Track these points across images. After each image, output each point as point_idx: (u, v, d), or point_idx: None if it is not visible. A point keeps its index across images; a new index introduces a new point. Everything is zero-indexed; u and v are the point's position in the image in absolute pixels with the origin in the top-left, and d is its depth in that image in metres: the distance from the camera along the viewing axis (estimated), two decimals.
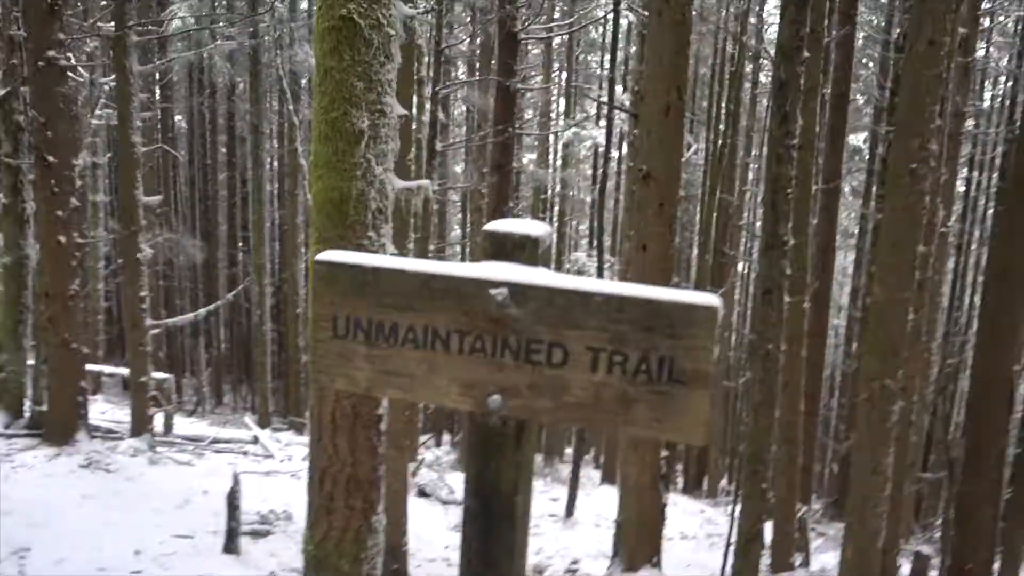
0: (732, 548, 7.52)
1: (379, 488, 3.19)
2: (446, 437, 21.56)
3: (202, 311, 12.53)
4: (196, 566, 6.09)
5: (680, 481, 24.81)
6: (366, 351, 1.46)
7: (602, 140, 20.46)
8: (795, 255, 7.34)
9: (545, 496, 15.51)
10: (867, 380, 6.77)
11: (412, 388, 1.46)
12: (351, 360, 1.48)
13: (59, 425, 9.08)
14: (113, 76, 10.49)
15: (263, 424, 19.17)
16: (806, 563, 9.89)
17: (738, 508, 7.41)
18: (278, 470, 11.24)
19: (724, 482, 22.84)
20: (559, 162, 26.66)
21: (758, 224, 14.22)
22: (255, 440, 14.31)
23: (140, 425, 10.25)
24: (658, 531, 7.61)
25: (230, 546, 6.39)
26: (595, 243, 10.35)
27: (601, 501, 15.84)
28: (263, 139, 19.44)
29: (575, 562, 8.76)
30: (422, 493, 11.63)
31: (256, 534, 7.39)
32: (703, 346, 1.26)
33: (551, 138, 24.41)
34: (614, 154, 21.19)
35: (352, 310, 1.46)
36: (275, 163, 26.89)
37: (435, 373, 1.43)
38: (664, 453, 7.45)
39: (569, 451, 29.61)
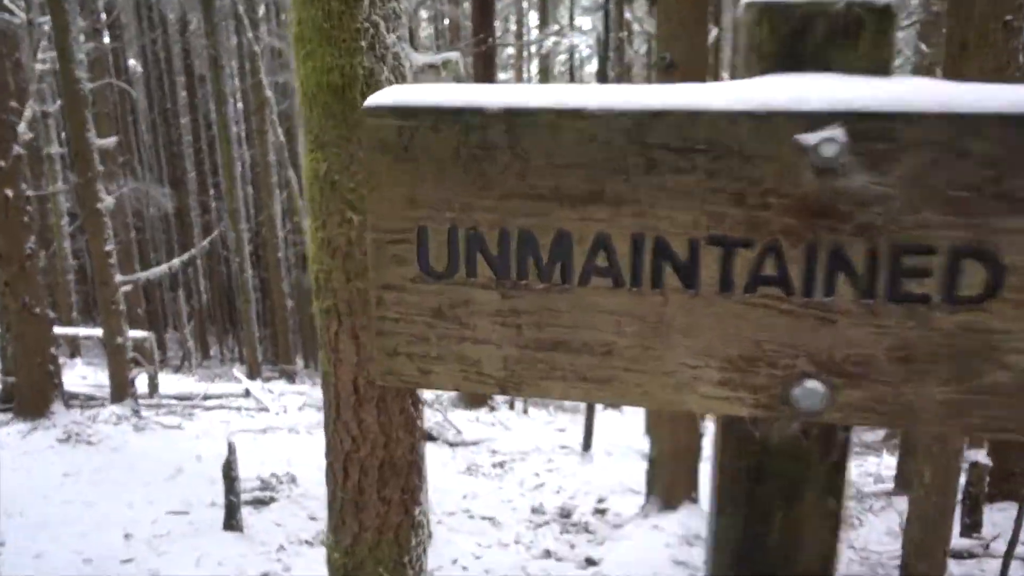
0: None
1: (421, 471, 2.45)
2: None
3: (176, 261, 11.62)
4: (195, 547, 5.41)
5: None
6: (498, 301, 0.66)
7: (582, 44, 19.34)
8: None
9: (550, 427, 15.06)
10: None
11: (608, 381, 0.68)
12: (464, 324, 0.68)
13: (31, 397, 8.30)
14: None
15: (253, 375, 18.47)
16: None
17: None
18: (275, 425, 10.55)
19: None
20: (535, 80, 25.42)
21: None
22: (247, 393, 13.62)
23: (121, 389, 9.47)
24: (696, 464, 7.03)
25: (231, 522, 5.70)
26: None
27: (612, 429, 15.40)
28: (224, 76, 18.12)
29: (601, 500, 8.23)
30: (428, 436, 11.01)
31: (258, 503, 6.71)
32: None
33: (526, 55, 23.18)
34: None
35: (464, 212, 0.65)
36: (239, 103, 25.46)
37: (661, 342, 0.65)
38: None
39: None
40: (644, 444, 13.54)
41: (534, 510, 7.88)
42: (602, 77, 9.58)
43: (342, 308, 2.24)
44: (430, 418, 11.91)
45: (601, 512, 7.78)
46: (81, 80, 8.78)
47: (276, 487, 7.22)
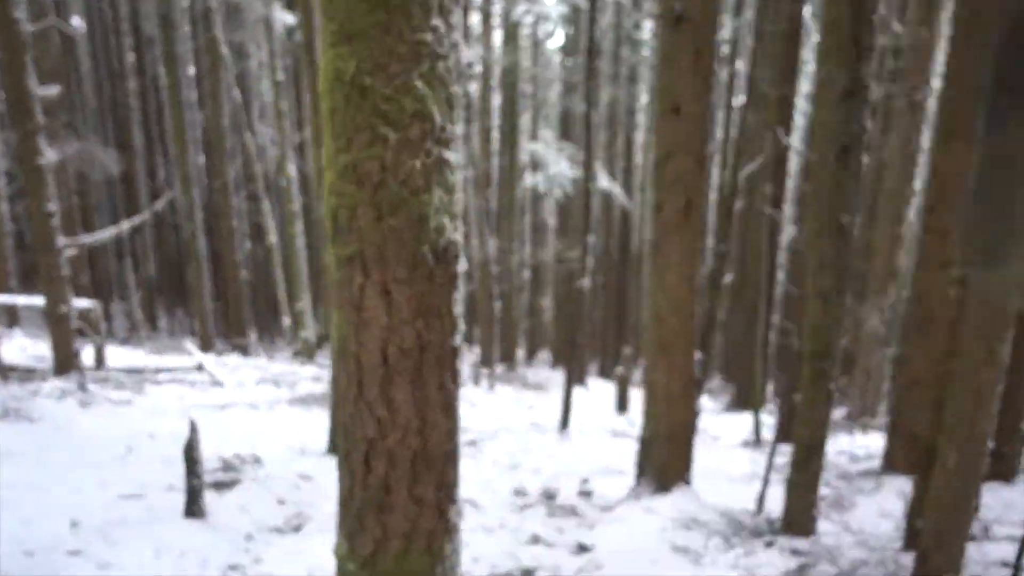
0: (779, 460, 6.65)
1: (456, 463, 1.98)
2: None
3: (126, 224, 10.82)
4: (153, 536, 4.84)
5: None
6: None
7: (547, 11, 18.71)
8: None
9: (519, 404, 14.66)
10: None
11: None
12: None
13: None
14: None
15: (205, 348, 17.68)
16: None
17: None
18: (233, 401, 9.93)
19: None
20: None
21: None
22: (200, 367, 12.92)
23: (65, 362, 8.74)
24: (690, 445, 6.68)
25: (192, 508, 5.14)
26: (587, 129, 8.96)
27: (581, 408, 15.08)
28: (176, 36, 17.07)
29: (585, 481, 7.84)
30: None
31: (220, 485, 6.14)
32: None
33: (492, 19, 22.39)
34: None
35: None
36: (192, 66, 24.20)
37: None
38: (698, 356, 6.44)
39: (521, 352, 28.96)
40: (618, 423, 13.26)
41: (516, 492, 7.46)
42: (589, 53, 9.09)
43: (370, 255, 1.74)
44: None
45: (587, 494, 7.39)
46: (20, 21, 7.97)
47: (239, 467, 6.66)
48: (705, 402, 15.19)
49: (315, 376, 14.29)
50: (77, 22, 26.38)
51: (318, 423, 9.12)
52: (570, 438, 9.74)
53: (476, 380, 16.36)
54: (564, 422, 9.67)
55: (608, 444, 10.43)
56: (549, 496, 7.33)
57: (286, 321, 17.63)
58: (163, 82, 25.56)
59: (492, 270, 18.03)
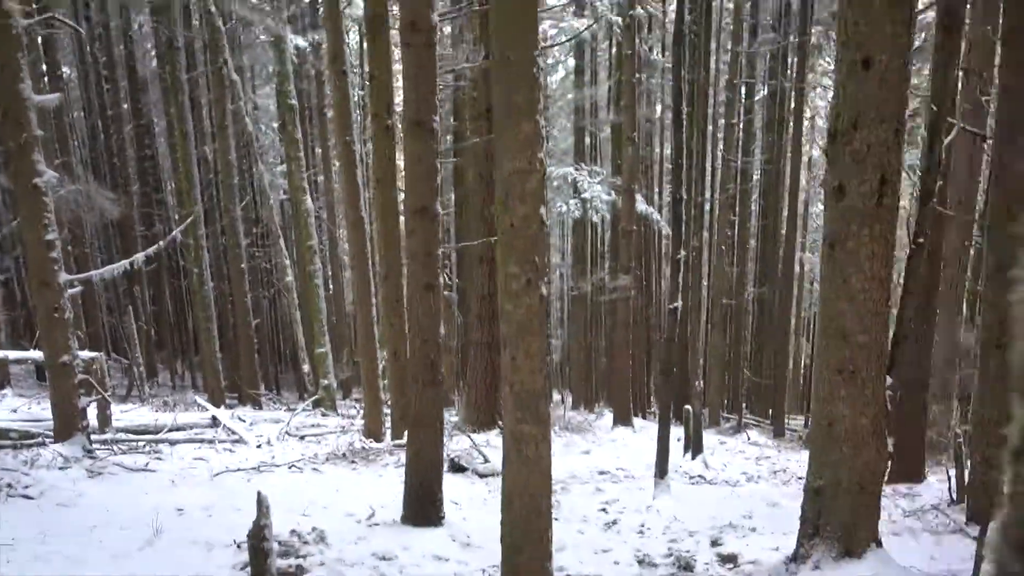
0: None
1: None
2: None
3: (140, 256, 9.39)
4: None
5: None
6: None
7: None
8: None
9: (572, 449, 13.15)
10: None
11: None
12: None
13: None
14: None
15: (215, 402, 16.12)
16: None
17: None
18: (266, 462, 8.42)
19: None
20: None
21: None
22: (214, 422, 11.39)
23: (68, 423, 7.25)
24: (879, 498, 5.23)
25: None
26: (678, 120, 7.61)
27: (641, 449, 13.57)
28: (179, 55, 15.87)
29: (716, 543, 6.37)
30: (455, 467, 9.01)
31: (281, 575, 4.66)
32: None
33: None
34: None
35: None
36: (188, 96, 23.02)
37: None
38: (889, 383, 5.03)
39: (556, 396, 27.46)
40: (696, 468, 11.77)
41: (641, 561, 5.98)
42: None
43: None
44: (454, 446, 9.94)
45: (730, 561, 5.91)
46: (13, 14, 6.67)
47: (301, 550, 5.17)
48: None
49: (342, 427, 12.78)
50: (67, 73, 25.26)
51: (375, 484, 7.63)
52: (670, 489, 8.22)
53: None
54: (662, 469, 8.16)
55: (711, 495, 8.97)
56: (684, 566, 5.85)
57: (304, 368, 16.15)
58: (159, 128, 24.48)
59: None
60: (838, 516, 5.14)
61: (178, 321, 25.50)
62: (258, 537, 3.56)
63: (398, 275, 9.63)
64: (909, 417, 8.77)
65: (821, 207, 32.68)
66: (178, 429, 10.73)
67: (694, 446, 11.89)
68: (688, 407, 12.37)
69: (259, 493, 3.69)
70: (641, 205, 16.30)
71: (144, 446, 8.82)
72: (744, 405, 24.49)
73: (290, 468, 7.97)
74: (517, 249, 3.55)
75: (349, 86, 10.96)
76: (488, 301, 12.66)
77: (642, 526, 7.31)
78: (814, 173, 30.04)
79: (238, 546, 5.16)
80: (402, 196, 6.93)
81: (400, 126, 6.88)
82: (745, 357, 26.17)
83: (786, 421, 23.25)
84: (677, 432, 18.18)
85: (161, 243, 10.55)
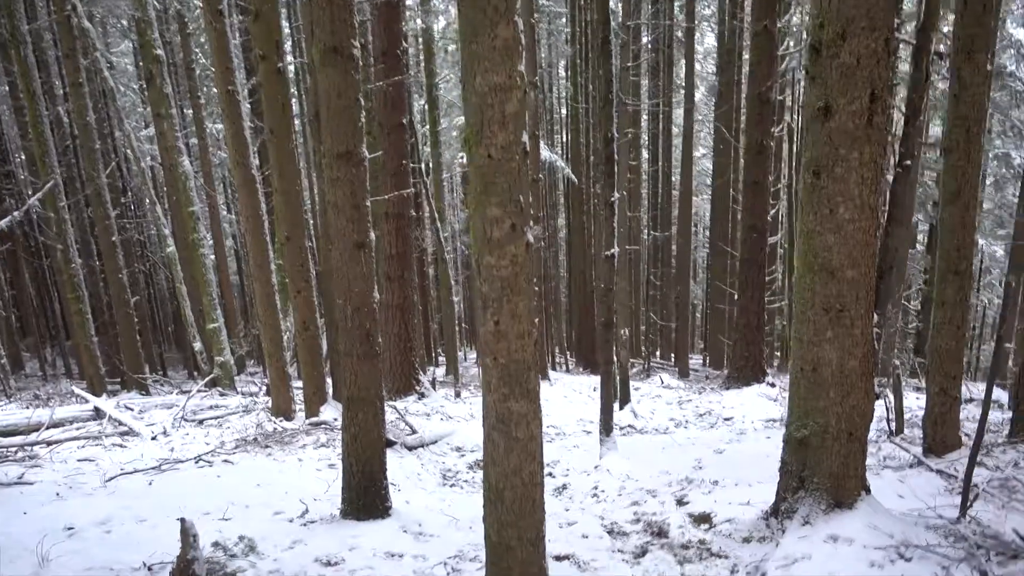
0: None
1: None
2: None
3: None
4: None
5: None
6: None
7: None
8: None
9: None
10: None
11: None
12: None
13: None
14: None
15: (96, 391, 14.60)
16: None
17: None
18: (167, 458, 7.39)
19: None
20: None
21: None
22: (98, 414, 10.16)
23: None
24: (866, 444, 4.89)
25: None
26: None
27: (565, 402, 13.19)
28: (16, 2, 13.77)
29: (683, 502, 5.93)
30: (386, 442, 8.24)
31: None
32: None
33: None
34: None
35: None
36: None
37: None
38: (875, 320, 4.65)
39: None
40: (626, 418, 11.47)
41: (611, 531, 5.48)
42: None
43: None
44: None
45: (704, 521, 5.50)
46: None
47: (229, 566, 4.34)
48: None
49: (245, 407, 11.72)
50: None
51: (299, 472, 6.78)
52: (616, 447, 7.78)
53: (433, 383, 14.15)
54: (607, 426, 7.70)
55: (651, 445, 8.61)
56: (658, 532, 5.40)
57: (196, 346, 14.79)
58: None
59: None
60: (827, 466, 4.77)
61: (42, 304, 23.19)
62: (186, 574, 2.76)
63: (302, 236, 8.65)
64: None
65: (703, 151, 33.12)
66: (56, 426, 9.47)
67: (621, 396, 11.62)
68: (614, 355, 12.01)
69: (183, 522, 2.88)
70: (545, 152, 15.71)
71: (16, 452, 7.61)
72: (645, 349, 24.73)
73: (197, 463, 7.00)
74: (498, 187, 2.83)
75: (228, 28, 9.69)
76: (396, 260, 11.82)
77: (595, 488, 6.84)
78: (699, 116, 30.24)
79: (149, 569, 4.29)
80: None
81: (310, 59, 5.91)
82: (647, 301, 26.38)
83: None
84: (592, 381, 18.05)
85: (15, 214, 9.08)
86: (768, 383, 13.22)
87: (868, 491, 4.89)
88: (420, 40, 18.34)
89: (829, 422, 4.72)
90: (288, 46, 21.14)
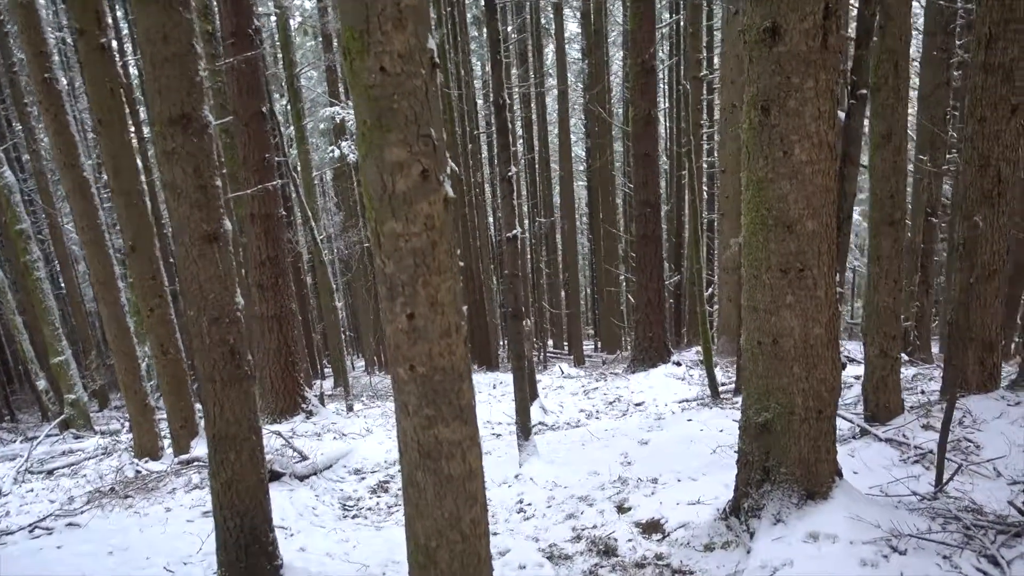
0: None
1: None
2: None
3: None
4: None
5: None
6: None
7: None
8: None
9: (392, 424, 11.58)
10: None
11: None
12: None
13: None
14: None
15: None
16: None
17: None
18: (11, 525, 5.98)
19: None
20: None
21: None
22: None
23: None
24: (835, 424, 4.27)
25: None
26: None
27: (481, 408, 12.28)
28: None
29: (625, 508, 5.20)
30: (270, 476, 7.09)
31: None
32: None
33: None
34: None
35: None
36: None
37: None
38: (837, 279, 4.02)
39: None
40: (537, 414, 10.70)
41: (551, 556, 4.65)
42: None
43: None
44: (266, 446, 7.96)
45: (654, 530, 4.76)
46: None
47: None
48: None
49: (104, 449, 10.20)
50: None
51: (165, 528, 5.57)
52: (537, 451, 6.97)
53: (321, 399, 12.93)
54: (525, 428, 6.88)
55: (568, 443, 7.85)
56: (604, 550, 4.61)
57: (41, 384, 12.91)
58: None
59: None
60: (795, 452, 4.13)
61: None
62: None
63: (151, 244, 7.36)
64: None
65: (575, 137, 32.94)
66: None
67: (530, 390, 10.85)
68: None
69: None
70: None
71: None
72: (538, 339, 24.21)
73: (32, 532, 5.65)
74: (399, 115, 1.93)
75: (38, 7, 8.19)
76: (268, 266, 10.58)
77: (521, 503, 6.00)
78: (572, 102, 29.99)
79: None
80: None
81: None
82: (536, 289, 25.87)
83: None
84: (489, 379, 17.25)
85: None
86: (674, 362, 12.82)
87: (841, 475, 4.29)
88: (276, 24, 16.84)
89: (794, 401, 4.07)
90: (121, 14, 19.09)
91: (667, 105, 23.61)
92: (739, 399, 9.59)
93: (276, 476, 7.19)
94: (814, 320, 3.92)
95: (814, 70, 3.53)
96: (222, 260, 3.65)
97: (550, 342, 25.90)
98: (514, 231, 6.64)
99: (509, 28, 23.97)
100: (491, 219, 23.84)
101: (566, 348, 25.84)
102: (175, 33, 3.42)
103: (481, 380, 16.88)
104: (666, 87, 24.50)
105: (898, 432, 5.69)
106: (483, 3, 6.22)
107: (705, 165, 18.86)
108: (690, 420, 8.45)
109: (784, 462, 4.16)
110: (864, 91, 4.02)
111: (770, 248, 3.87)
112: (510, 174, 6.52)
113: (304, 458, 7.93)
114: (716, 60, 18.83)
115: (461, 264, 2.14)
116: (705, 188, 19.79)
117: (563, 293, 25.77)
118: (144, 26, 3.41)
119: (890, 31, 5.07)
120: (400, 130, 1.96)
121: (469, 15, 24.10)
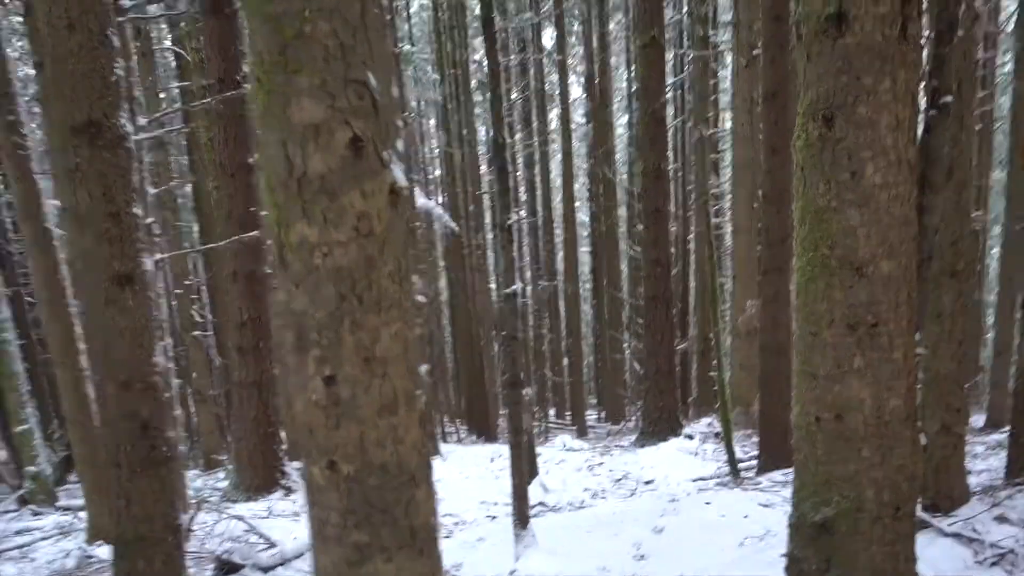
0: None
1: None
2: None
3: None
4: None
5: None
6: None
7: None
8: None
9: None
10: None
11: None
12: None
13: None
14: None
15: None
16: None
17: None
18: None
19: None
20: None
21: None
22: None
23: None
24: (914, 524, 3.39)
25: None
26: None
27: (454, 484, 11.35)
28: None
29: None
30: (225, 567, 6.14)
31: None
32: None
33: None
34: None
35: None
36: None
37: None
38: (918, 338, 3.20)
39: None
40: (538, 495, 9.74)
41: None
42: None
43: None
44: (222, 528, 7.06)
45: None
46: None
47: None
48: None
49: (62, 529, 9.20)
50: None
51: None
52: (536, 541, 6.03)
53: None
54: (522, 514, 5.96)
55: (572, 528, 6.90)
56: None
57: (1, 455, 11.98)
58: None
59: None
60: (864, 559, 3.23)
61: None
62: None
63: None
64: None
65: (578, 203, 32.57)
66: None
67: (529, 466, 9.91)
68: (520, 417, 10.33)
69: None
70: (421, 199, 14.11)
71: None
72: (540, 409, 23.25)
73: None
74: (315, 43, 1.16)
75: None
76: (250, 328, 9.78)
77: None
78: (576, 167, 29.73)
79: None
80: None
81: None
82: (537, 357, 25.02)
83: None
84: (488, 451, 16.25)
85: None
86: (686, 435, 11.89)
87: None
88: None
89: (864, 495, 3.20)
90: None
91: (674, 164, 23.25)
92: (762, 479, 8.66)
93: (235, 568, 6.20)
94: (890, 389, 3.09)
95: (891, 67, 2.80)
96: (137, 308, 2.85)
97: (552, 411, 24.88)
98: (513, 287, 5.86)
99: (513, 93, 23.77)
100: (493, 284, 23.14)
101: (568, 418, 24.83)
102: (84, 19, 2.69)
103: (479, 452, 15.88)
104: (671, 149, 24.18)
105: (966, 526, 4.79)
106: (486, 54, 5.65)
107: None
108: (708, 503, 7.49)
109: (851, 573, 3.27)
110: (949, 98, 3.29)
111: (834, 297, 3.06)
112: (509, 221, 5.78)
113: (272, 545, 6.96)
114: (722, 117, 18.49)
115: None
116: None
117: (565, 360, 24.88)
118: (44, 9, 2.68)
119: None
120: (316, 72, 1.19)
121: (474, 81, 23.97)
